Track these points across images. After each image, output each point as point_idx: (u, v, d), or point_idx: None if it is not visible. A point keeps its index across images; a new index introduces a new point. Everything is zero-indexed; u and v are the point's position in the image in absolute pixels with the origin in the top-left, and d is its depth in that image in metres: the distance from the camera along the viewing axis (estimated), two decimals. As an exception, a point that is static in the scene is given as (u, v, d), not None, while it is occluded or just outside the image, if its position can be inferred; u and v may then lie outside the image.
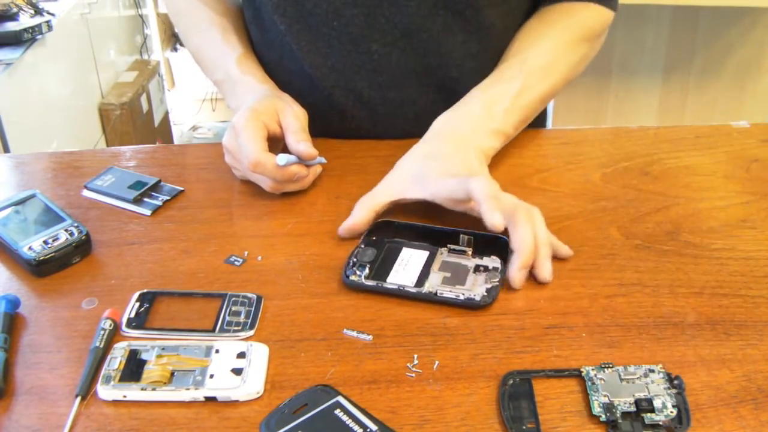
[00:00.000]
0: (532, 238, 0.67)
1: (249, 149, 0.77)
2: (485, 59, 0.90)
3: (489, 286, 0.66)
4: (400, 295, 0.66)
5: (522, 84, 0.83)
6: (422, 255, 0.71)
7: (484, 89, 0.84)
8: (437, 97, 0.91)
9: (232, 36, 0.93)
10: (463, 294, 0.65)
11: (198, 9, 0.94)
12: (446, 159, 0.77)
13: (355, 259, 0.69)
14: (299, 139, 0.79)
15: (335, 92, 0.91)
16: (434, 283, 0.67)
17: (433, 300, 0.65)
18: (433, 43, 0.87)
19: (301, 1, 0.85)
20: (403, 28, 0.86)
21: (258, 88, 0.87)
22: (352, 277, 0.67)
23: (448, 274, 0.68)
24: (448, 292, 0.65)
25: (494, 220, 0.67)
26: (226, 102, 0.92)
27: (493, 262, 0.70)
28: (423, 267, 0.69)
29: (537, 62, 0.85)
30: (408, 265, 0.69)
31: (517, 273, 0.66)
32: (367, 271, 0.68)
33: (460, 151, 0.78)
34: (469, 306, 0.65)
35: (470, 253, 0.71)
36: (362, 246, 0.71)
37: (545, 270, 0.67)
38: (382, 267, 0.69)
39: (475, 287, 0.67)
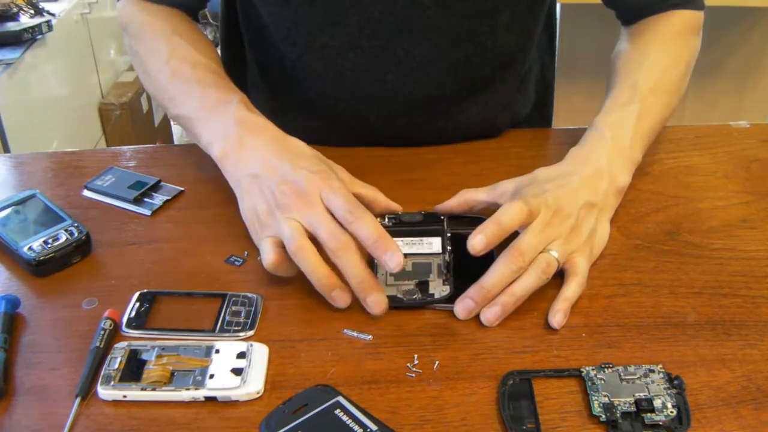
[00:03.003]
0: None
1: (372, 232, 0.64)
2: (499, 78, 0.90)
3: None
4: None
5: (640, 108, 0.79)
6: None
7: (604, 118, 0.79)
8: (445, 124, 0.91)
9: (228, 81, 0.81)
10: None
11: (180, 46, 0.83)
12: (570, 183, 0.71)
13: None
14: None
15: (341, 118, 0.89)
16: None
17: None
18: (450, 73, 0.86)
19: (315, 33, 0.83)
20: (422, 60, 0.84)
21: (282, 136, 0.73)
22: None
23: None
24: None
25: (472, 241, 0.63)
26: (196, 137, 0.78)
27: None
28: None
29: (647, 83, 0.81)
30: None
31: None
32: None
33: (592, 180, 0.72)
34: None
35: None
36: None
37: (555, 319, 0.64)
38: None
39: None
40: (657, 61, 0.84)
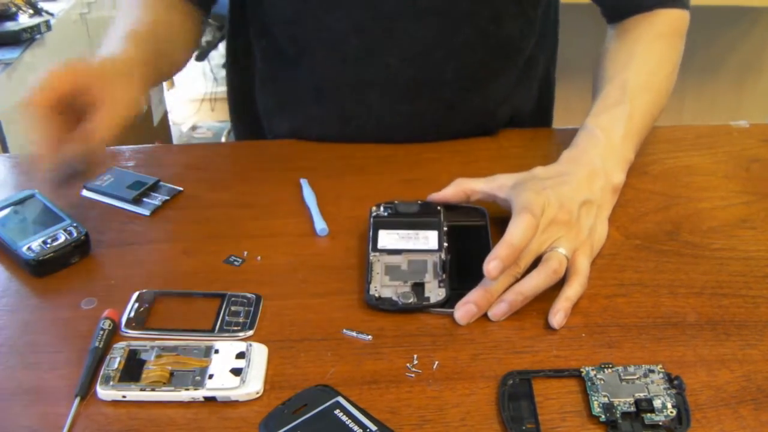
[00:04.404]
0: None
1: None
2: (499, 67, 0.90)
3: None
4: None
5: (630, 108, 0.79)
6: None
7: (595, 119, 0.79)
8: (447, 111, 0.91)
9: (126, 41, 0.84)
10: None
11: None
12: (569, 182, 0.71)
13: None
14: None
15: (345, 104, 0.90)
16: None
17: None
18: (452, 59, 0.86)
19: (319, 17, 0.84)
20: (423, 45, 0.85)
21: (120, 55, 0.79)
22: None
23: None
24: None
25: (488, 267, 0.62)
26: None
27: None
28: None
29: (636, 83, 0.82)
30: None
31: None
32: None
33: (588, 179, 0.72)
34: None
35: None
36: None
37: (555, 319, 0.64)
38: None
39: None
40: (644, 60, 0.85)
